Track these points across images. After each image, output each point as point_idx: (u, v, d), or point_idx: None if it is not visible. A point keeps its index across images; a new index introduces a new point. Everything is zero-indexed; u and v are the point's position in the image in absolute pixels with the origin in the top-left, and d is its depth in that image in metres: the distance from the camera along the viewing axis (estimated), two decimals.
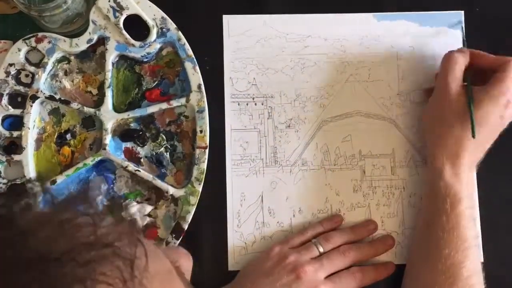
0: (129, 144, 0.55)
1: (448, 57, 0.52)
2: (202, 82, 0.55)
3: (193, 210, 0.53)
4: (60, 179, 0.53)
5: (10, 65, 0.54)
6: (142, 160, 0.55)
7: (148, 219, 0.54)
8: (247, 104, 0.57)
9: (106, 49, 0.55)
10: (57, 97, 0.55)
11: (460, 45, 0.57)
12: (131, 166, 0.54)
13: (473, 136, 0.49)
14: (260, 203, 0.55)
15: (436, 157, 0.50)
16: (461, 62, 0.51)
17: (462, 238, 0.48)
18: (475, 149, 0.50)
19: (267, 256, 0.51)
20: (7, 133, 0.54)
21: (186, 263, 0.39)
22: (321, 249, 0.51)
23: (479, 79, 0.52)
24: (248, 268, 0.52)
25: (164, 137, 0.56)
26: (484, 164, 0.56)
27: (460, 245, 0.48)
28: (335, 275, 0.51)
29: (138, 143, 0.55)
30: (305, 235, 0.53)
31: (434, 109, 0.52)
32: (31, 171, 0.53)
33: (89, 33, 0.55)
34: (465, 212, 0.49)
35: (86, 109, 0.55)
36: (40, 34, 0.55)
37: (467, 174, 0.50)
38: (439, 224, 0.49)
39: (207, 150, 0.54)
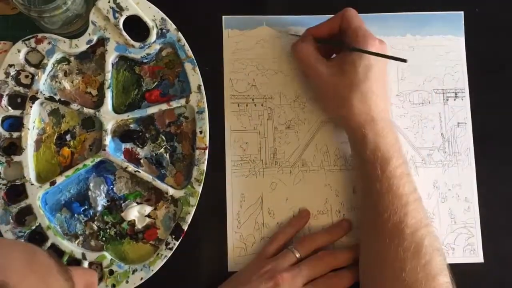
0: (128, 145, 0.55)
1: (295, 50, 0.53)
2: (202, 83, 0.55)
3: (192, 211, 0.53)
4: (59, 180, 0.53)
5: (10, 66, 0.54)
6: (141, 161, 0.55)
7: (147, 220, 0.54)
8: (246, 105, 0.57)
9: (106, 50, 0.55)
10: (57, 98, 0.55)
11: (462, 45, 0.57)
12: (131, 167, 0.54)
13: (403, 60, 0.48)
14: (260, 204, 0.55)
15: (355, 129, 0.50)
16: (308, 46, 0.52)
17: (397, 197, 0.47)
18: (381, 96, 0.50)
19: (245, 268, 0.52)
20: (6, 134, 0.54)
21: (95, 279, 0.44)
22: (298, 255, 0.51)
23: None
24: (227, 281, 0.52)
25: (163, 138, 0.55)
26: (484, 164, 0.56)
27: (397, 205, 0.47)
28: (312, 282, 0.50)
29: (138, 144, 0.55)
30: (277, 241, 0.53)
31: (323, 96, 0.53)
32: (30, 172, 0.53)
33: (89, 34, 0.55)
34: (395, 171, 0.48)
35: (86, 110, 0.55)
36: (40, 35, 0.55)
37: (386, 127, 0.49)
38: (374, 191, 0.48)
39: (206, 151, 0.54)
